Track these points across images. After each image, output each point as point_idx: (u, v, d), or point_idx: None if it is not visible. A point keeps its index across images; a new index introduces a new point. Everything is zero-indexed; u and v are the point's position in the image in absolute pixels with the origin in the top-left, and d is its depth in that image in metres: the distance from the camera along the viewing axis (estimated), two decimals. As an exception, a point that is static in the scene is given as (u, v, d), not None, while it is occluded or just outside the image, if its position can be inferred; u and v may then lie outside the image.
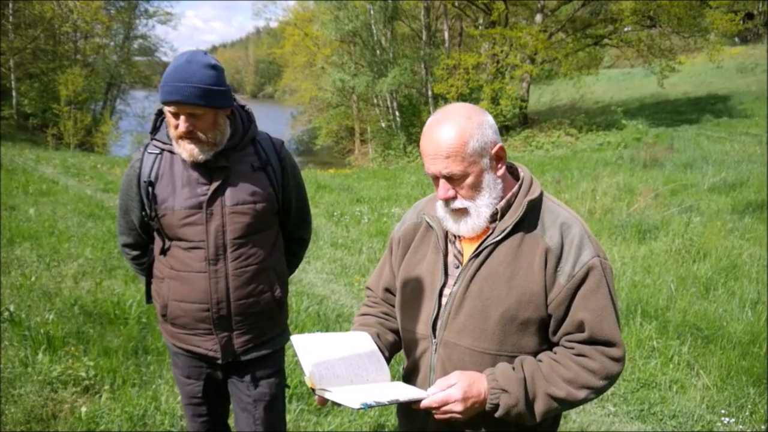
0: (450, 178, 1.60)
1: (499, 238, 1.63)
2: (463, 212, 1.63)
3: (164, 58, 36.18)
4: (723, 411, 3.84)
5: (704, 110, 23.37)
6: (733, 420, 3.74)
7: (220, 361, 2.30)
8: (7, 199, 9.13)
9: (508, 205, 1.65)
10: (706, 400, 3.97)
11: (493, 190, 1.63)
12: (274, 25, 39.72)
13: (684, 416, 3.81)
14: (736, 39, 32.84)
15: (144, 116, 30.05)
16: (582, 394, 1.59)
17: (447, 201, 1.63)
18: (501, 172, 1.64)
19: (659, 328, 4.85)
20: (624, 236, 7.63)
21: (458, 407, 1.54)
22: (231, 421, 2.62)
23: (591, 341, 1.59)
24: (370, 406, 1.46)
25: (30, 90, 28.95)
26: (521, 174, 1.71)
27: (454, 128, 1.58)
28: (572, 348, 1.61)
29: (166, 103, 2.06)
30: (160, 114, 2.25)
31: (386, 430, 3.53)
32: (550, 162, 16.01)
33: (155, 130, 2.25)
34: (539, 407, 1.58)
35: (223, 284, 2.20)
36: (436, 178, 1.64)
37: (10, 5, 27.96)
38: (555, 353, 1.63)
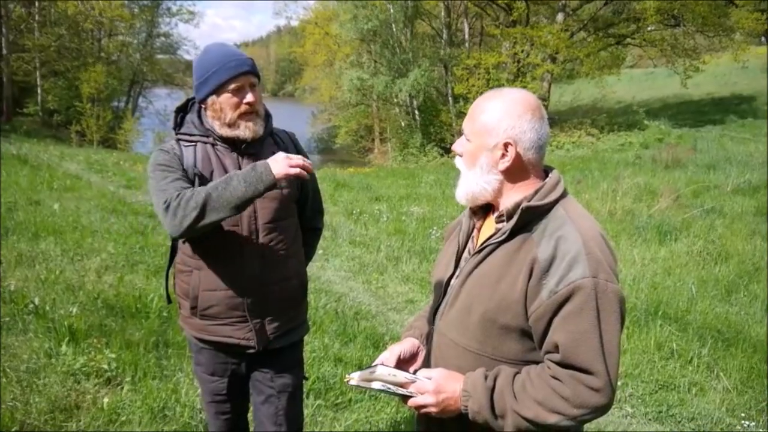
0: (463, 137, 1.69)
1: (501, 239, 1.61)
2: (461, 175, 1.70)
3: (186, 56, 36.50)
4: (743, 414, 3.81)
5: (728, 111, 23.07)
6: (753, 423, 3.70)
7: (253, 350, 2.30)
8: (32, 194, 9.29)
9: (516, 208, 1.60)
10: (725, 403, 3.94)
11: (485, 174, 1.63)
12: (294, 23, 39.81)
13: (703, 419, 3.77)
14: (762, 38, 32.31)
15: (164, 114, 30.35)
16: (552, 418, 1.49)
17: (455, 155, 1.72)
18: (502, 167, 1.61)
19: (679, 330, 4.81)
20: (644, 237, 7.57)
21: (429, 399, 1.58)
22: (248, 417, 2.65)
23: (564, 365, 1.50)
24: (358, 387, 1.64)
25: (54, 87, 29.44)
26: (546, 181, 1.64)
27: (492, 99, 1.64)
28: (549, 368, 1.53)
29: (233, 78, 2.10)
30: (178, 111, 2.29)
31: (402, 427, 3.55)
32: (570, 162, 15.91)
33: (178, 125, 2.28)
34: (508, 423, 1.53)
35: (255, 269, 2.23)
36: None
37: (36, 3, 28.41)
38: (535, 370, 1.56)
